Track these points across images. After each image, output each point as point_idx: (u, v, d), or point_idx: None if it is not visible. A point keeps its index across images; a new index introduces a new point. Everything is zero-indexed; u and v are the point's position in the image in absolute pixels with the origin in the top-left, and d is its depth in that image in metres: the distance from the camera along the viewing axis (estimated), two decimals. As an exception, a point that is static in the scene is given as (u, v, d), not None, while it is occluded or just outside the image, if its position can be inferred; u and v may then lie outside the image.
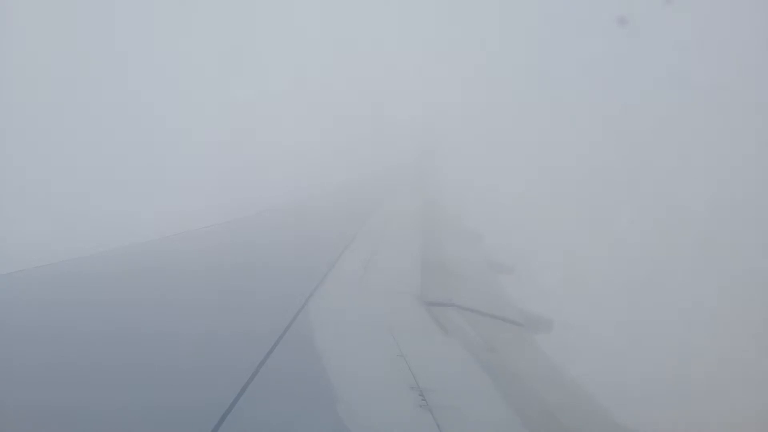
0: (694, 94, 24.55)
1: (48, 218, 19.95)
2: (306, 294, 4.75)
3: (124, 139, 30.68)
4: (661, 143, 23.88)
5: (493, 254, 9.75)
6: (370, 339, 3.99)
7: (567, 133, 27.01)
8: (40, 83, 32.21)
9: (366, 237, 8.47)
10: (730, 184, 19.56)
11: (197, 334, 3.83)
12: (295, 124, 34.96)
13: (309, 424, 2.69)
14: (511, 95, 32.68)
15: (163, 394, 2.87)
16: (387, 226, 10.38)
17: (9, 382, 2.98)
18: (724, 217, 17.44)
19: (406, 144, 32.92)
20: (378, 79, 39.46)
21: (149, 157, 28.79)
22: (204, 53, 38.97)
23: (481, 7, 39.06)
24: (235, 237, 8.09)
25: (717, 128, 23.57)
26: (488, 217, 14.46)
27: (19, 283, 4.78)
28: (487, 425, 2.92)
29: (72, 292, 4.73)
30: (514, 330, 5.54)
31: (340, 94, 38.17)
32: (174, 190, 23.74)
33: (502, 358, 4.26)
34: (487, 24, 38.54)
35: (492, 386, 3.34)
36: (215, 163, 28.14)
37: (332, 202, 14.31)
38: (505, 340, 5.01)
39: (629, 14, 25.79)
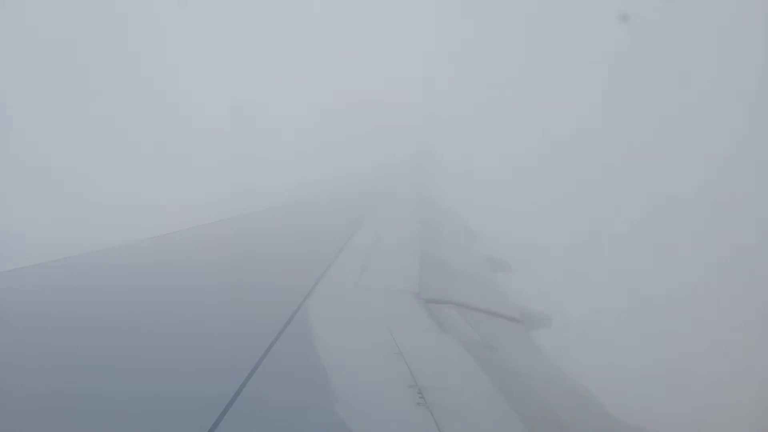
0: (695, 91, 24.56)
1: (49, 215, 19.96)
2: (304, 292, 4.74)
3: (125, 137, 30.69)
4: (661, 140, 23.89)
5: (492, 251, 9.76)
6: (368, 336, 3.98)
7: (567, 130, 27.03)
8: (41, 81, 32.17)
9: (364, 235, 8.47)
10: (731, 181, 19.56)
11: (196, 331, 3.83)
12: (294, 123, 34.99)
13: (307, 422, 2.69)
14: (511, 92, 32.72)
15: (160, 395, 2.87)
16: (385, 224, 10.37)
17: (13, 378, 2.98)
18: (723, 214, 17.45)
19: (405, 142, 32.97)
20: (377, 78, 39.54)
21: (149, 155, 28.81)
22: (204, 52, 38.97)
23: (481, 6, 39.16)
24: (234, 234, 8.09)
25: (718, 125, 23.58)
26: (486, 215, 14.47)
27: (22, 280, 4.78)
28: (485, 423, 2.92)
29: (75, 289, 4.75)
30: (513, 327, 5.54)
31: (340, 94, 38.22)
32: (173, 188, 23.74)
33: (501, 355, 4.26)
34: (486, 22, 38.61)
35: (490, 383, 3.34)
36: (214, 162, 28.18)
37: (330, 200, 14.32)
38: (503, 337, 5.00)
39: (631, 11, 25.82)
